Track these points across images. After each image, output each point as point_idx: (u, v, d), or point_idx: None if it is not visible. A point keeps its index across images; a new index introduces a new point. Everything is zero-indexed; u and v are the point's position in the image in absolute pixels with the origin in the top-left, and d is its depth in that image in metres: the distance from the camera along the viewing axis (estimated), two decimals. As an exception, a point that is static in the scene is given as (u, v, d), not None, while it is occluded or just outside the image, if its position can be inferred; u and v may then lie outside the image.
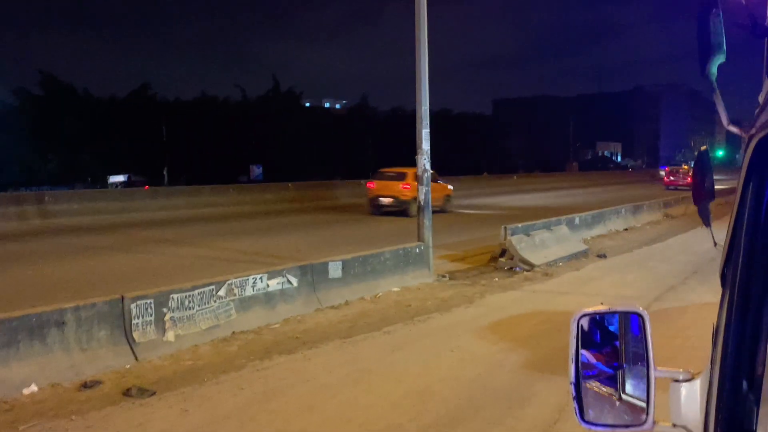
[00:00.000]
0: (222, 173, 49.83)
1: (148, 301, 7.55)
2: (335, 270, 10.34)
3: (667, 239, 18.00)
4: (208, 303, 8.25)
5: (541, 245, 14.18)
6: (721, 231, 1.55)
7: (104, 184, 48.48)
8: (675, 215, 24.02)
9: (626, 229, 20.17)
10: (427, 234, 12.36)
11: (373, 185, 26.52)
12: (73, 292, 9.45)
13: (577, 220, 17.47)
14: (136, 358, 7.23)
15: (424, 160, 12.36)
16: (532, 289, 11.44)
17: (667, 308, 9.65)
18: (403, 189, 24.31)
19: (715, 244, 1.66)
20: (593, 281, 12.22)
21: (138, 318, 7.41)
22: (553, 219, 16.12)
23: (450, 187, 28.08)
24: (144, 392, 6.33)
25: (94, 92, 55.09)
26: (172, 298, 7.83)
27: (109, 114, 51.02)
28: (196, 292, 8.13)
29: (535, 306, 10.09)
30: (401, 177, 24.99)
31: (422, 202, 12.40)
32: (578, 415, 1.72)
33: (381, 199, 25.39)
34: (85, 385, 6.47)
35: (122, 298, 7.35)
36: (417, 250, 12.13)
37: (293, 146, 58.21)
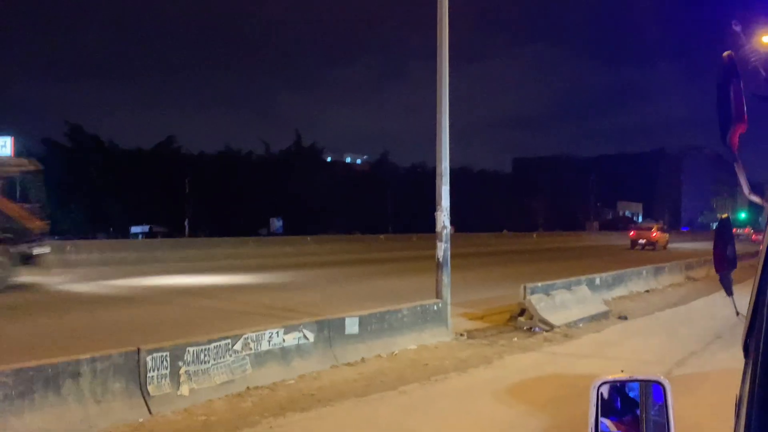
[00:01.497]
0: (243, 226, 50.25)
1: (164, 354, 7.53)
2: (352, 326, 10.27)
3: (689, 302, 17.73)
4: (223, 357, 8.21)
5: (561, 305, 14.02)
6: (743, 297, 1.53)
7: (126, 234, 49.01)
8: (697, 278, 23.71)
9: (647, 291, 19.92)
10: (446, 291, 12.29)
11: (634, 233, 51.93)
12: (91, 342, 9.45)
13: (597, 281, 17.29)
14: (150, 412, 7.17)
15: (444, 217, 12.37)
16: (551, 351, 11.26)
17: (688, 374, 9.44)
18: (652, 235, 49.98)
19: (737, 313, 1.63)
20: (614, 344, 12.02)
21: (153, 371, 7.37)
22: (574, 279, 15.97)
23: (667, 234, 53.41)
24: (156, 447, 6.26)
25: (120, 143, 56.28)
26: (188, 351, 7.79)
27: (134, 165, 51.92)
28: (212, 345, 8.10)
29: (555, 369, 9.92)
30: (650, 228, 52.70)
31: (440, 259, 12.36)
32: (598, 487, 1.67)
33: (640, 240, 49.46)
34: (98, 439, 6.42)
35: (138, 350, 7.33)
36: (435, 308, 12.05)
37: (314, 200, 58.72)
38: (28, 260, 18.01)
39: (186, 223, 52.56)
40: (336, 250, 35.90)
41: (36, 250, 18.20)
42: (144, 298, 16.83)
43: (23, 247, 17.87)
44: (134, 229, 50.95)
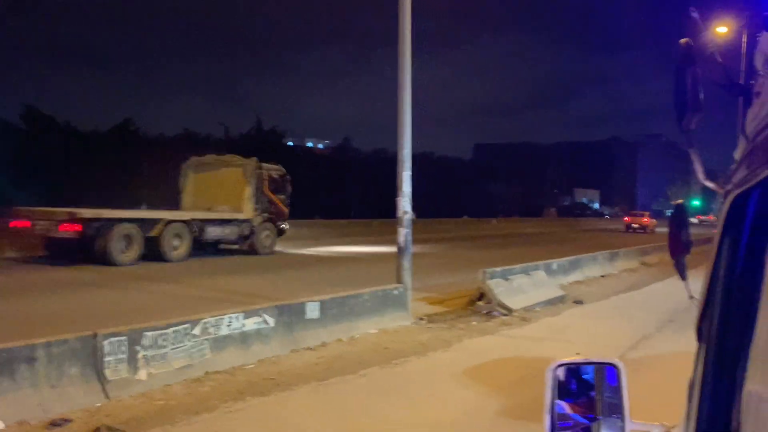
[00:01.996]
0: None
1: (122, 339, 7.43)
2: (313, 311, 10.26)
3: (644, 287, 18.10)
4: (182, 342, 8.13)
5: (518, 290, 14.20)
6: (696, 281, 1.56)
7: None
8: (651, 263, 24.19)
9: (603, 276, 20.27)
10: (407, 276, 12.35)
11: (629, 219, 62.44)
12: (48, 327, 9.27)
13: (554, 266, 17.54)
14: (107, 397, 7.08)
15: (405, 203, 12.40)
16: (509, 334, 11.41)
17: (642, 357, 9.66)
18: (644, 220, 59.62)
19: (691, 297, 1.66)
20: (570, 327, 12.22)
21: (110, 356, 7.28)
22: (531, 264, 16.17)
23: (654, 220, 60.40)
24: (113, 432, 6.19)
25: (77, 125, 55.07)
26: (146, 335, 7.71)
27: (91, 147, 50.88)
28: (171, 330, 8.02)
29: (513, 352, 10.05)
30: (642, 215, 62.76)
31: (401, 244, 12.40)
32: (553, 467, 1.70)
33: (633, 225, 59.20)
34: (54, 424, 6.32)
35: (95, 334, 7.22)
36: (396, 292, 12.10)
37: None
38: (280, 234, 26.76)
39: (144, 206, 51.71)
40: (297, 235, 35.69)
41: (284, 227, 27.01)
42: (105, 282, 16.58)
43: (279, 225, 26.49)
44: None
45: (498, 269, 14.29)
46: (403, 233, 12.39)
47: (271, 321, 9.48)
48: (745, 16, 1.51)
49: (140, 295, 14.77)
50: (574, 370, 1.83)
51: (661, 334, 11.42)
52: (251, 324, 9.17)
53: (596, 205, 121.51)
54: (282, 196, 26.79)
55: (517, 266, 15.35)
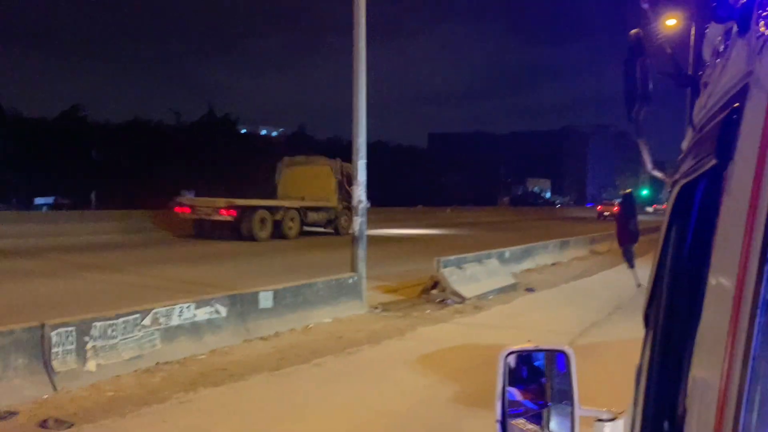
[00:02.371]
0: (153, 198, 48.82)
1: (70, 329, 7.27)
2: (266, 300, 10.19)
3: (593, 275, 18.44)
4: (132, 332, 8.00)
5: (472, 278, 14.33)
6: (644, 270, 1.58)
7: (29, 205, 46.87)
8: (601, 251, 24.65)
9: (554, 264, 20.60)
10: (361, 265, 12.35)
11: (600, 207, 66.91)
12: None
13: (507, 254, 17.75)
14: (55, 388, 6.93)
15: (360, 191, 12.39)
16: (462, 322, 11.51)
17: (592, 343, 9.84)
18: (614, 209, 50.00)
19: (638, 284, 1.69)
20: (522, 315, 12.39)
21: (58, 346, 7.12)
22: (484, 252, 16.33)
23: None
24: (62, 424, 6.06)
25: (23, 112, 53.53)
26: (95, 326, 7.56)
27: (38, 135, 49.50)
28: (120, 320, 7.88)
29: (466, 339, 10.14)
30: (612, 204, 60.33)
31: (356, 233, 12.39)
32: (504, 453, 1.71)
33: (605, 213, 61.99)
34: (-2, 417, 6.16)
35: (42, 325, 7.06)
36: (350, 281, 12.09)
37: (228, 172, 57.54)
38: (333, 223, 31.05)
39: (92, 194, 50.58)
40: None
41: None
42: (51, 271, 16.19)
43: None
44: (38, 201, 48.72)
45: (452, 258, 14.40)
46: (358, 222, 12.39)
47: (223, 311, 9.39)
48: (694, 8, 1.53)
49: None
50: (525, 358, 1.84)
51: (609, 321, 11.65)
52: (203, 314, 9.06)
53: (548, 194, 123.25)
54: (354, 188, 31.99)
55: (471, 255, 15.48)
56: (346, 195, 29.09)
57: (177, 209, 28.47)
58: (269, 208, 28.02)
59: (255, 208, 27.28)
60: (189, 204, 28.43)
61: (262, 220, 27.35)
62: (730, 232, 0.90)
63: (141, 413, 6.49)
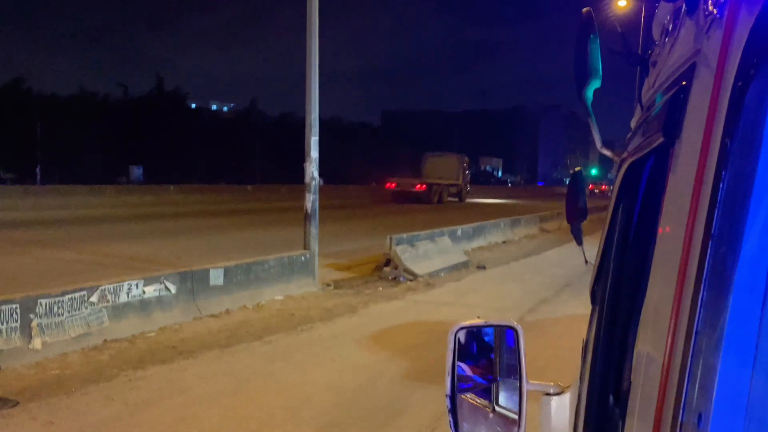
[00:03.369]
0: (100, 173, 47.78)
1: (14, 306, 7.10)
2: (217, 277, 10.09)
3: (543, 252, 18.75)
4: (78, 309, 7.84)
5: (424, 256, 14.42)
6: (592, 248, 1.60)
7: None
8: (550, 230, 25.07)
9: (505, 242, 20.87)
10: (313, 243, 12.31)
11: (592, 186, 70.04)
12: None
13: (459, 232, 17.90)
14: (-2, 367, 6.77)
15: (313, 168, 12.31)
16: (414, 299, 11.59)
17: (540, 319, 10.03)
18: (603, 187, 69.48)
19: (587, 261, 1.72)
20: (473, 292, 12.54)
21: (2, 324, 6.95)
22: (437, 230, 16.44)
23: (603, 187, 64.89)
24: (6, 402, 5.93)
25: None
26: (40, 303, 7.39)
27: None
28: (66, 297, 7.71)
29: (417, 316, 10.23)
30: (602, 184, 69.63)
31: (309, 211, 12.33)
32: (453, 427, 1.73)
33: (595, 191, 64.82)
34: (-63, 397, 5.99)
35: (-17, 303, 6.87)
36: (302, 259, 12.04)
37: (177, 148, 56.62)
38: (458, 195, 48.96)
39: (37, 169, 49.24)
40: (201, 200, 34.96)
41: (469, 189, 51.22)
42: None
43: (468, 188, 51.22)
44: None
45: (404, 235, 14.45)
46: (311, 199, 12.32)
47: (173, 288, 9.27)
48: (644, -13, 1.53)
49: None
50: (475, 333, 1.86)
51: (558, 297, 11.88)
52: (152, 291, 8.94)
53: (500, 173, 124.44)
54: (468, 173, 51.74)
55: (423, 232, 15.56)
56: (465, 176, 50.25)
57: (387, 185, 46.79)
58: (438, 185, 45.73)
59: (432, 185, 45.14)
60: (395, 181, 46.74)
61: (435, 192, 45.13)
62: (676, 210, 0.92)
63: (88, 391, 6.39)
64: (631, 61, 1.48)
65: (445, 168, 48.18)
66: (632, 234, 1.35)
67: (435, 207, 40.57)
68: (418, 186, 44.80)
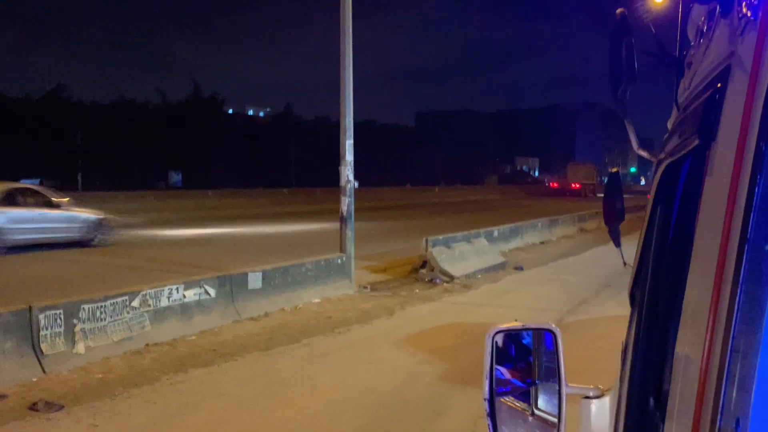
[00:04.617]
0: (139, 179, 48.57)
1: (58, 312, 7.26)
2: (255, 281, 10.19)
3: (581, 253, 18.55)
4: (120, 314, 7.99)
5: (460, 257, 14.38)
6: (630, 248, 1.59)
7: (14, 187, 46.45)
8: (589, 229, 24.79)
9: (542, 243, 20.69)
10: (350, 245, 12.36)
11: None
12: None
13: (495, 233, 17.81)
14: (44, 371, 6.93)
15: (348, 171, 12.36)
16: (451, 301, 11.57)
17: (579, 321, 9.93)
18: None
19: (625, 264, 1.70)
20: (510, 293, 12.46)
21: (47, 329, 7.11)
22: (473, 231, 16.38)
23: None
24: (51, 406, 6.07)
25: (6, 92, 52.95)
26: (83, 308, 7.54)
27: (22, 115, 48.97)
28: (109, 302, 7.86)
29: (454, 318, 10.21)
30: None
31: (344, 213, 12.39)
32: (491, 431, 1.73)
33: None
34: (-13, 400, 6.16)
35: (30, 308, 7.04)
36: (339, 261, 12.10)
37: (214, 153, 57.27)
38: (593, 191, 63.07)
39: (79, 176, 50.24)
40: (239, 204, 35.29)
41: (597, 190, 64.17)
42: (37, 253, 16.10)
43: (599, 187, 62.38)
44: (24, 182, 48.36)
45: (440, 237, 14.43)
46: (346, 202, 12.37)
47: (213, 292, 9.39)
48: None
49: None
50: (513, 336, 1.86)
51: (597, 298, 11.74)
52: (192, 295, 9.06)
53: (536, 173, 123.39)
54: (598, 177, 65.13)
55: (459, 234, 15.52)
56: (597, 179, 64.53)
57: (550, 184, 67.11)
58: (584, 185, 62.13)
59: (585, 184, 62.38)
60: (558, 182, 66.32)
61: (583, 190, 60.15)
62: (712, 212, 0.91)
63: (131, 394, 6.51)
64: (666, 62, 1.47)
65: (584, 173, 66.64)
66: (670, 235, 1.34)
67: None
68: (574, 185, 64.35)
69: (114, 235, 19.05)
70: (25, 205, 16.69)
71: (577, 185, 64.81)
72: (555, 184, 69.55)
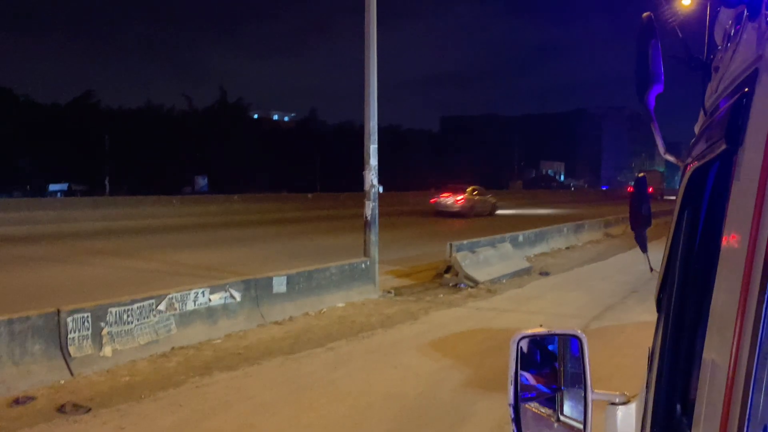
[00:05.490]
0: (166, 184, 49.06)
1: (85, 315, 7.35)
2: (280, 285, 10.24)
3: (607, 258, 18.39)
4: (147, 317, 8.07)
5: (485, 262, 14.32)
6: (657, 254, 1.58)
7: (44, 192, 47.29)
8: (615, 234, 24.57)
9: (568, 248, 20.54)
10: (374, 250, 12.37)
11: (651, 189, 75.66)
12: (8, 304, 9.13)
13: (520, 238, 17.71)
14: (72, 374, 7.02)
15: (372, 176, 12.38)
16: (475, 306, 11.52)
17: (605, 327, 9.83)
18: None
19: (651, 269, 1.69)
20: (535, 299, 12.38)
21: (74, 332, 7.20)
22: (498, 236, 16.30)
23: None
24: (79, 409, 6.14)
25: (36, 98, 53.86)
26: (110, 312, 7.63)
27: (51, 121, 49.79)
28: (135, 306, 7.95)
29: (478, 323, 10.16)
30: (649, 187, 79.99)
31: (369, 218, 12.41)
32: (516, 437, 1.72)
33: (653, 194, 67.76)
34: (17, 401, 6.25)
35: (58, 311, 7.13)
36: (363, 266, 12.12)
37: (240, 158, 57.72)
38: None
39: (106, 180, 50.91)
40: (263, 209, 35.47)
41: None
42: (65, 257, 16.32)
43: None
44: (52, 187, 49.12)
45: (465, 242, 14.38)
46: (370, 207, 12.39)
47: (238, 296, 9.45)
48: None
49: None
50: (538, 342, 1.85)
51: (623, 304, 11.63)
52: (217, 299, 9.13)
53: (562, 177, 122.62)
54: (663, 183, 78.50)
55: (484, 239, 15.46)
56: (663, 185, 75.97)
57: (628, 189, 61.99)
58: (656, 189, 64.09)
59: (656, 188, 64.95)
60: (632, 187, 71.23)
61: (656, 193, 62.13)
62: (739, 217, 0.90)
63: (157, 397, 6.57)
64: (693, 66, 1.46)
65: (651, 178, 74.24)
66: (697, 241, 1.33)
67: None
68: (650, 190, 72.25)
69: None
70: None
71: (651, 189, 72.65)
72: (631, 188, 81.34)
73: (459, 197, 35.43)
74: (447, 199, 35.69)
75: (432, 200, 37.57)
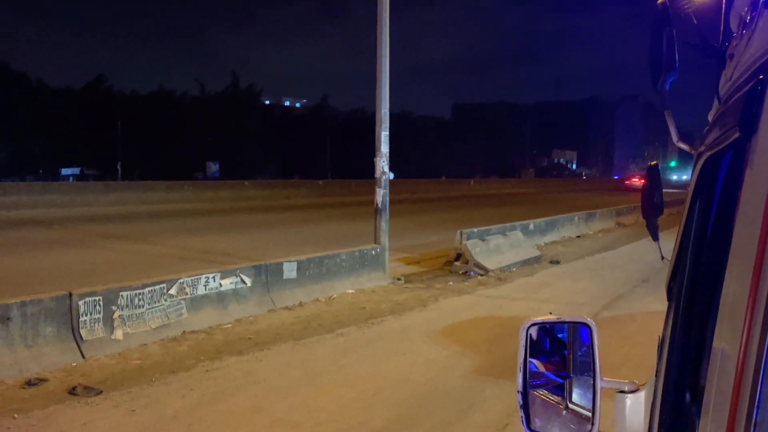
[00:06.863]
0: (177, 169, 49.24)
1: (97, 299, 7.40)
2: (290, 271, 10.27)
3: (619, 247, 18.34)
4: (158, 301, 8.12)
5: (495, 250, 14.31)
6: (668, 243, 1.58)
7: (56, 176, 47.57)
8: (627, 224, 24.48)
9: (579, 237, 20.49)
10: (384, 237, 12.38)
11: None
12: (20, 287, 9.22)
13: (531, 226, 17.68)
14: (83, 356, 7.08)
15: (383, 163, 12.37)
16: (485, 294, 11.53)
17: (616, 315, 9.82)
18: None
19: (663, 258, 1.68)
20: (545, 287, 12.37)
21: (86, 315, 7.26)
22: (508, 224, 16.28)
23: None
24: (90, 391, 6.20)
25: (49, 82, 54.05)
26: (122, 295, 7.69)
27: (64, 105, 49.98)
28: (147, 290, 8.00)
29: (488, 311, 10.17)
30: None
31: (379, 205, 12.40)
32: (525, 423, 1.73)
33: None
34: (30, 383, 6.32)
35: (70, 294, 7.19)
36: (373, 252, 12.13)
37: (251, 144, 57.83)
38: None
39: (118, 165, 51.14)
40: (275, 195, 35.56)
41: None
42: (77, 241, 16.43)
43: None
44: (65, 171, 49.43)
45: (475, 230, 14.37)
46: (381, 194, 12.38)
47: (248, 281, 9.49)
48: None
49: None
50: (548, 330, 1.85)
51: (634, 293, 11.60)
52: (228, 284, 9.17)
53: (574, 166, 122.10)
54: None
55: (494, 227, 15.44)
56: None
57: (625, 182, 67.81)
58: None
59: None
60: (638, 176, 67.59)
61: None
62: (752, 206, 0.90)
63: (167, 381, 6.62)
64: (708, 53, 1.44)
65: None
66: (709, 230, 1.32)
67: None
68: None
69: None
70: None
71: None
72: (628, 182, 74.10)
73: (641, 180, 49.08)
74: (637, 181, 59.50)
75: (626, 182, 66.18)
